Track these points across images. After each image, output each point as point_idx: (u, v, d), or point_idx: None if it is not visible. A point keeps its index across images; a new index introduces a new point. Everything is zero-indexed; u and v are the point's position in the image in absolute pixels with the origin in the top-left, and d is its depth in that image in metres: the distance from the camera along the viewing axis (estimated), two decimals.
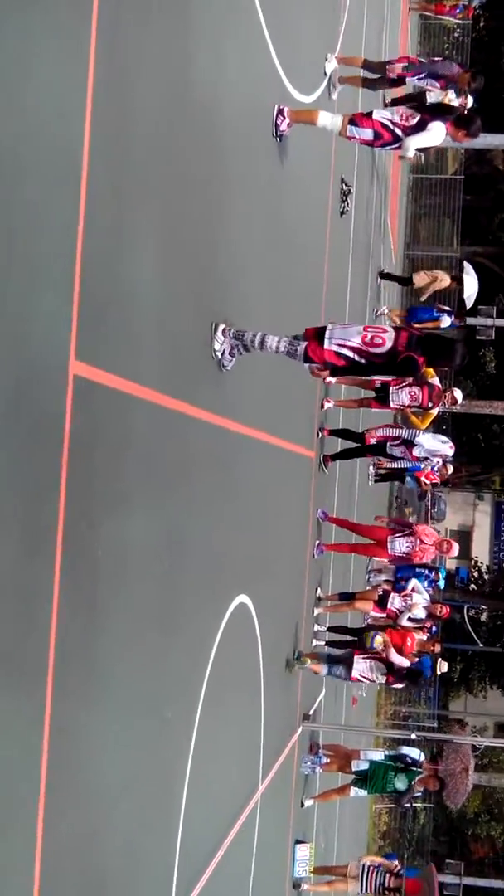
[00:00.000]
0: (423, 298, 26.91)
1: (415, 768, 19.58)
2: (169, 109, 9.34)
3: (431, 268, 32.04)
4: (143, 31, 8.51)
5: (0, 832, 6.86)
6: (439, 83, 17.94)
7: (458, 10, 36.24)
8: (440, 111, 13.97)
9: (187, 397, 10.32)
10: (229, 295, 11.73)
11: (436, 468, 21.14)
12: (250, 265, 12.87)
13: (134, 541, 9.06)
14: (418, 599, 20.39)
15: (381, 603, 20.34)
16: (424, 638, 19.98)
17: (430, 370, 19.25)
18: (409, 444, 20.48)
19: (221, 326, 11.15)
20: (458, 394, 20.84)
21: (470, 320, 37.90)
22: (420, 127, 13.73)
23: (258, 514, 14.48)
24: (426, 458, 20.71)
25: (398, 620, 20.03)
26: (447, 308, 26.17)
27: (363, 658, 18.65)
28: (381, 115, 13.86)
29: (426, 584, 21.66)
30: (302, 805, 19.80)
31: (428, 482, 21.35)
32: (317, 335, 11.63)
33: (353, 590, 22.05)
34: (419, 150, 14.26)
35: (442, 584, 23.84)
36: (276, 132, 13.59)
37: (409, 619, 20.01)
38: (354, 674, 18.59)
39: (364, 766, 19.80)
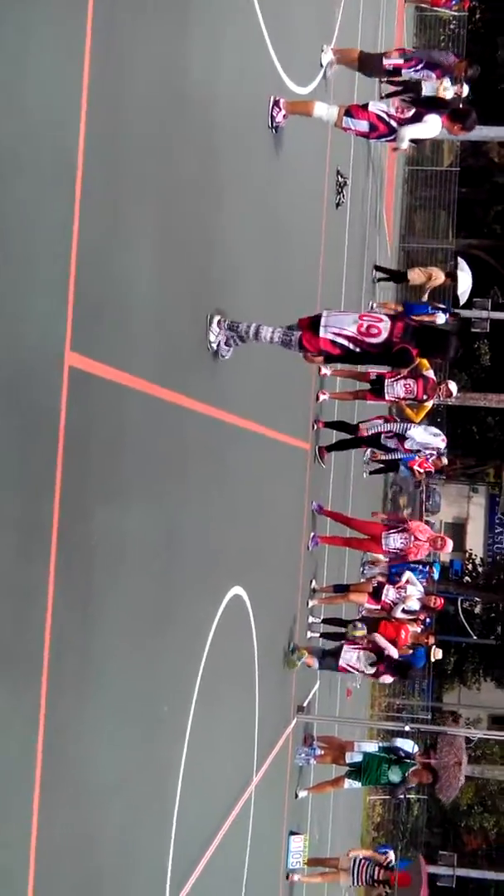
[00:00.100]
0: (424, 298, 26.89)
1: (408, 760, 19.62)
2: (164, 102, 9.31)
3: (426, 261, 32.07)
4: (139, 24, 8.47)
5: None
6: (435, 73, 17.93)
7: (454, 2, 36.13)
8: (436, 104, 13.96)
9: (183, 389, 10.30)
10: (225, 286, 11.71)
11: (430, 458, 21.14)
12: (246, 257, 12.85)
13: (129, 533, 9.04)
14: (412, 591, 20.41)
15: (376, 595, 20.36)
16: (418, 630, 20.00)
17: (425, 362, 19.25)
18: (402, 437, 20.48)
19: (217, 318, 11.13)
20: (452, 386, 20.81)
21: (465, 312, 37.90)
22: (416, 119, 13.73)
23: (253, 506, 14.47)
24: (418, 451, 20.71)
25: (392, 612, 20.04)
26: (442, 306, 26.19)
27: (353, 648, 18.67)
28: (376, 106, 13.86)
29: (420, 576, 21.69)
30: (296, 796, 19.81)
31: (422, 471, 21.34)
32: (311, 324, 11.62)
33: (348, 582, 22.05)
34: (414, 141, 14.25)
35: (437, 575, 23.89)
36: (272, 124, 13.57)
37: (404, 610, 20.02)
38: (342, 663, 18.61)
39: (358, 758, 19.83)
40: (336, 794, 23.31)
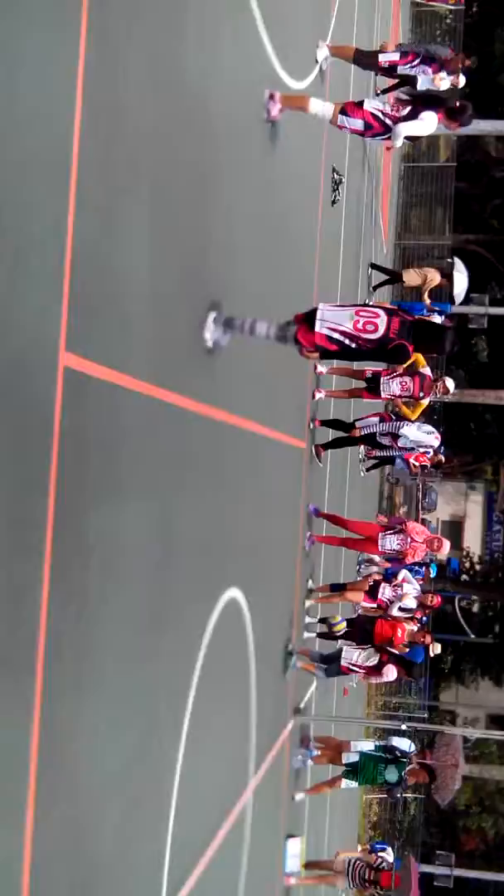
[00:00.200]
0: (426, 299, 26.81)
1: (404, 760, 19.53)
2: (160, 97, 9.28)
3: (422, 258, 31.95)
4: (134, 17, 8.43)
5: None
6: (432, 68, 17.82)
7: None
8: (432, 100, 13.85)
9: (178, 388, 10.24)
10: (220, 284, 11.64)
11: (429, 453, 21.05)
12: (241, 255, 12.79)
13: (124, 534, 9.01)
14: (409, 589, 20.34)
15: (372, 593, 20.28)
16: (415, 628, 19.90)
17: (422, 359, 19.17)
18: (395, 435, 20.40)
19: (212, 315, 11.06)
20: (449, 383, 20.69)
21: (462, 309, 37.84)
22: (411, 116, 13.65)
23: (249, 505, 14.41)
24: (412, 449, 20.63)
25: (389, 610, 19.96)
26: (437, 308, 26.13)
27: (353, 647, 18.58)
28: (372, 105, 13.76)
29: (416, 575, 21.60)
30: (293, 799, 19.73)
31: (417, 464, 21.26)
32: (307, 318, 11.55)
33: (344, 580, 21.96)
34: (410, 138, 14.15)
35: (433, 574, 23.81)
36: (268, 117, 13.49)
37: (400, 608, 19.93)
38: (343, 663, 18.52)
39: (354, 758, 19.78)
40: (333, 794, 23.23)
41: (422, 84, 17.56)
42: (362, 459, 26.42)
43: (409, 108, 13.68)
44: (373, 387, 19.35)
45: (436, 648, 21.21)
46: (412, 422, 20.69)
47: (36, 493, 7.08)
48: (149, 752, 10.23)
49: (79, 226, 7.31)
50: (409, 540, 19.61)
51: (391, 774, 19.37)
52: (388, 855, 20.33)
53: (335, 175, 20.28)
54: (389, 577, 20.86)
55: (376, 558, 21.97)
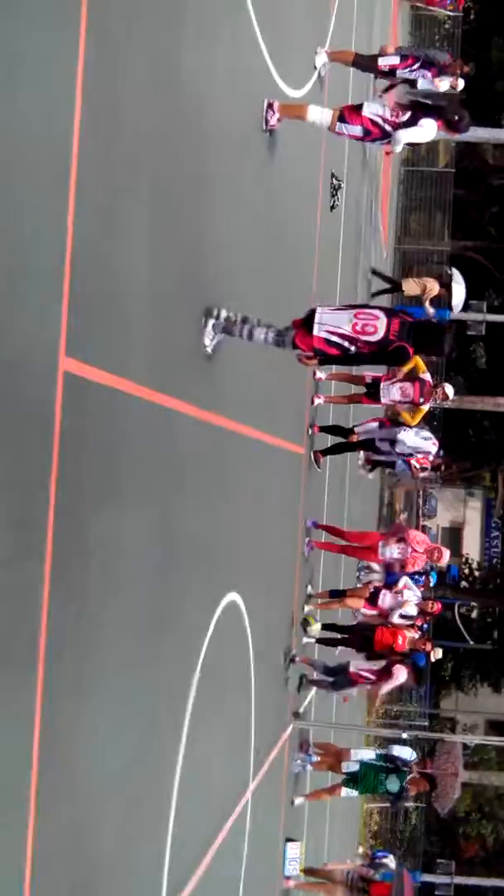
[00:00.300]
0: (429, 308, 26.83)
1: (405, 769, 19.48)
2: (159, 103, 9.31)
3: (422, 262, 31.94)
4: (133, 24, 8.45)
5: None
6: (431, 72, 17.85)
7: (448, 1, 36.15)
8: (431, 109, 13.81)
9: (177, 393, 10.26)
10: (219, 290, 11.66)
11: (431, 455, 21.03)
12: (240, 261, 12.81)
13: (124, 538, 9.03)
14: (409, 596, 20.29)
15: (372, 600, 20.25)
16: (416, 636, 19.89)
17: (422, 365, 19.14)
18: (393, 441, 20.37)
19: (211, 321, 11.07)
20: (449, 389, 20.70)
21: (461, 316, 37.83)
22: (411, 122, 13.61)
23: (248, 511, 14.43)
24: (410, 455, 20.59)
25: (389, 617, 19.93)
26: (435, 319, 26.15)
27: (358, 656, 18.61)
28: (370, 110, 13.66)
29: (416, 583, 21.56)
30: (292, 803, 19.72)
31: (418, 466, 21.23)
32: (305, 323, 11.49)
33: (344, 587, 21.95)
34: (409, 143, 14.15)
35: (433, 583, 23.79)
36: (266, 126, 13.49)
37: (401, 615, 19.90)
38: (352, 669, 18.51)
39: (354, 767, 19.72)
40: (333, 801, 23.22)
41: (421, 86, 17.59)
42: (362, 465, 26.43)
43: (408, 114, 13.64)
44: (372, 392, 19.34)
45: (437, 653, 21.21)
46: (410, 427, 20.66)
47: (37, 496, 7.09)
48: (149, 754, 10.25)
49: (78, 232, 7.32)
50: (409, 550, 19.55)
51: (392, 784, 19.33)
52: (391, 862, 20.31)
53: (334, 180, 20.29)
54: (390, 584, 20.84)
55: (375, 566, 21.94)
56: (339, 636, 20.08)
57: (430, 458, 20.85)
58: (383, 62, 17.89)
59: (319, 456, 19.85)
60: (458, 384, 40.59)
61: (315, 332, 11.39)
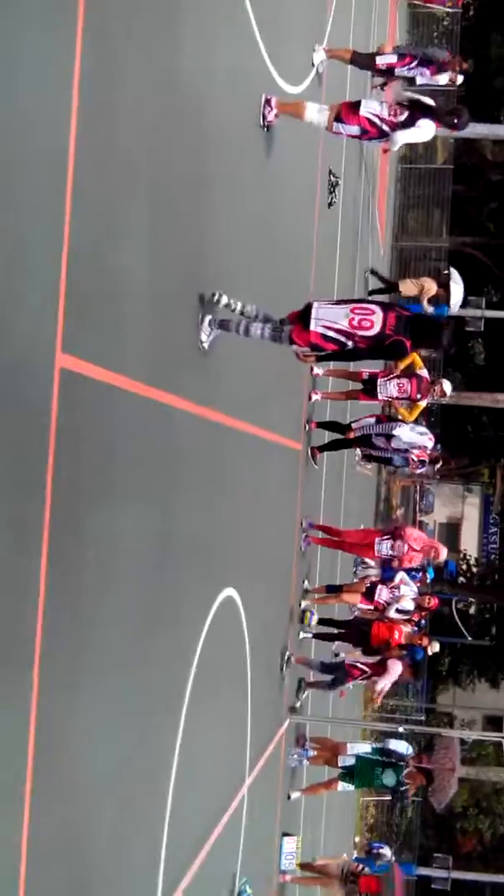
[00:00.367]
0: (427, 308, 26.83)
1: (401, 763, 19.52)
2: (157, 100, 9.31)
3: (419, 260, 31.92)
4: (131, 21, 8.46)
5: None
6: (430, 69, 17.87)
7: None
8: (429, 109, 13.77)
9: (174, 389, 10.28)
10: (216, 287, 11.65)
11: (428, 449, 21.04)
12: (237, 258, 12.82)
13: (120, 534, 9.04)
14: (406, 591, 20.34)
15: (369, 595, 20.29)
16: (412, 630, 19.95)
17: (419, 361, 19.16)
18: (389, 436, 20.38)
19: (208, 317, 11.09)
20: (447, 385, 20.70)
21: (459, 312, 37.83)
22: (409, 123, 13.56)
23: (245, 506, 14.45)
24: (406, 451, 20.60)
25: (386, 612, 19.98)
26: (435, 314, 26.15)
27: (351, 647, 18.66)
28: (368, 110, 13.53)
29: (413, 578, 21.60)
30: (289, 798, 19.77)
31: (416, 460, 21.24)
32: (301, 317, 11.49)
33: (341, 582, 22.00)
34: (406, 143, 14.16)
35: (430, 578, 23.80)
36: (264, 123, 13.51)
37: (398, 610, 19.95)
38: (348, 660, 18.57)
39: (350, 761, 19.76)
40: (329, 795, 23.27)
41: (420, 83, 17.64)
42: (358, 460, 26.46)
43: (406, 114, 13.58)
44: (369, 388, 19.35)
45: (434, 647, 21.27)
46: (406, 423, 20.68)
47: (33, 493, 7.11)
48: (145, 750, 10.26)
49: (75, 225, 7.33)
50: (405, 546, 19.56)
51: (388, 778, 19.37)
52: (387, 852, 20.38)
53: (332, 177, 20.30)
54: (386, 579, 20.88)
55: (371, 562, 21.99)
56: (335, 631, 20.15)
57: (428, 451, 20.86)
58: (381, 61, 17.93)
59: (316, 452, 19.88)
60: (456, 380, 40.67)
61: (312, 327, 11.39)
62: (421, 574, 23.95)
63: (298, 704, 19.87)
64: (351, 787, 20.84)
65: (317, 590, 20.42)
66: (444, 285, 28.41)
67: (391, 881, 19.33)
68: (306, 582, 19.97)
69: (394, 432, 20.02)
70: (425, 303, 26.84)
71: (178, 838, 11.31)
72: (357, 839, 34.06)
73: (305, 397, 19.27)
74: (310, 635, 19.92)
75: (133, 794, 10.01)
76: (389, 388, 19.03)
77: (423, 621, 22.57)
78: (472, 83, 39.92)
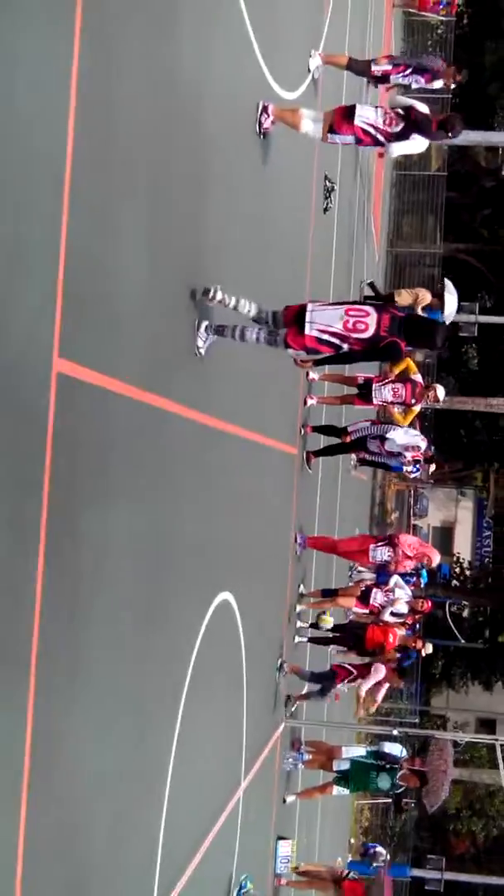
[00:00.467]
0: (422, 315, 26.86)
1: (395, 766, 19.57)
2: (153, 105, 9.32)
3: (414, 265, 31.95)
4: (127, 25, 8.48)
5: None
6: (424, 77, 17.95)
7: (441, 6, 36.24)
8: (423, 129, 13.76)
9: (170, 394, 10.30)
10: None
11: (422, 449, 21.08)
12: (233, 263, 12.84)
13: (117, 538, 9.05)
14: (400, 594, 20.40)
15: (364, 598, 20.34)
16: (407, 633, 20.01)
17: (413, 366, 19.21)
18: (383, 439, 20.41)
19: (204, 323, 11.12)
20: (440, 391, 20.74)
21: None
22: (403, 135, 13.53)
23: (241, 511, 14.46)
24: (399, 454, 20.63)
25: (380, 616, 20.04)
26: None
27: (341, 650, 18.70)
28: (362, 119, 13.46)
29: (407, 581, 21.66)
30: (284, 801, 19.79)
31: (412, 460, 21.28)
32: (296, 319, 11.47)
33: (336, 586, 22.05)
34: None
35: (424, 583, 23.84)
36: (260, 129, 13.55)
37: (392, 613, 20.02)
38: (336, 662, 18.60)
39: (345, 765, 19.78)
40: (324, 798, 23.31)
41: (415, 87, 17.74)
42: (354, 465, 26.50)
43: (402, 126, 13.53)
44: (364, 393, 19.39)
45: (427, 648, 21.34)
46: (400, 427, 20.71)
47: (30, 496, 7.13)
48: (141, 753, 10.26)
49: (72, 228, 7.34)
50: (399, 553, 19.60)
51: (383, 782, 19.40)
52: (382, 851, 20.43)
53: (327, 182, 20.36)
54: (381, 583, 20.93)
55: (364, 567, 22.04)
56: (330, 635, 20.20)
57: (421, 451, 20.89)
58: (376, 69, 18.03)
59: (311, 457, 19.89)
60: (450, 385, 40.74)
61: (307, 331, 11.35)
62: (415, 578, 24.01)
63: (288, 715, 19.90)
64: (346, 792, 20.88)
65: (312, 593, 20.47)
66: (439, 296, 28.46)
67: (380, 886, 19.39)
68: (302, 586, 20.01)
69: (388, 435, 20.05)
70: (419, 311, 26.87)
71: (174, 840, 11.32)
72: (352, 840, 34.09)
73: (301, 402, 19.29)
74: (305, 639, 19.97)
75: (129, 795, 10.02)
76: (384, 393, 19.08)
77: (417, 625, 22.58)
78: (466, 90, 40.04)
